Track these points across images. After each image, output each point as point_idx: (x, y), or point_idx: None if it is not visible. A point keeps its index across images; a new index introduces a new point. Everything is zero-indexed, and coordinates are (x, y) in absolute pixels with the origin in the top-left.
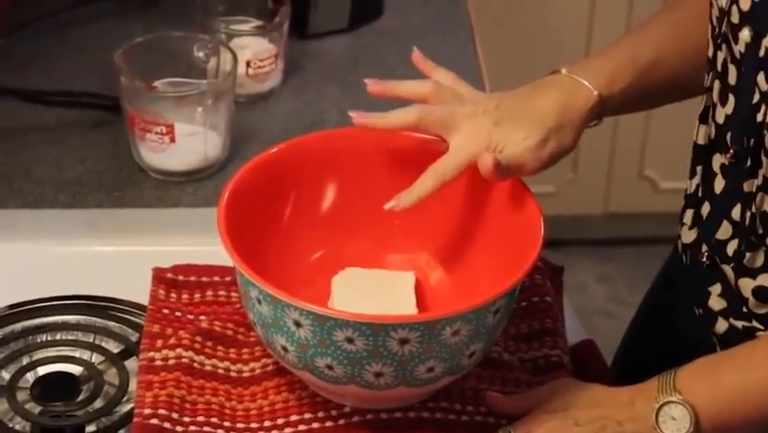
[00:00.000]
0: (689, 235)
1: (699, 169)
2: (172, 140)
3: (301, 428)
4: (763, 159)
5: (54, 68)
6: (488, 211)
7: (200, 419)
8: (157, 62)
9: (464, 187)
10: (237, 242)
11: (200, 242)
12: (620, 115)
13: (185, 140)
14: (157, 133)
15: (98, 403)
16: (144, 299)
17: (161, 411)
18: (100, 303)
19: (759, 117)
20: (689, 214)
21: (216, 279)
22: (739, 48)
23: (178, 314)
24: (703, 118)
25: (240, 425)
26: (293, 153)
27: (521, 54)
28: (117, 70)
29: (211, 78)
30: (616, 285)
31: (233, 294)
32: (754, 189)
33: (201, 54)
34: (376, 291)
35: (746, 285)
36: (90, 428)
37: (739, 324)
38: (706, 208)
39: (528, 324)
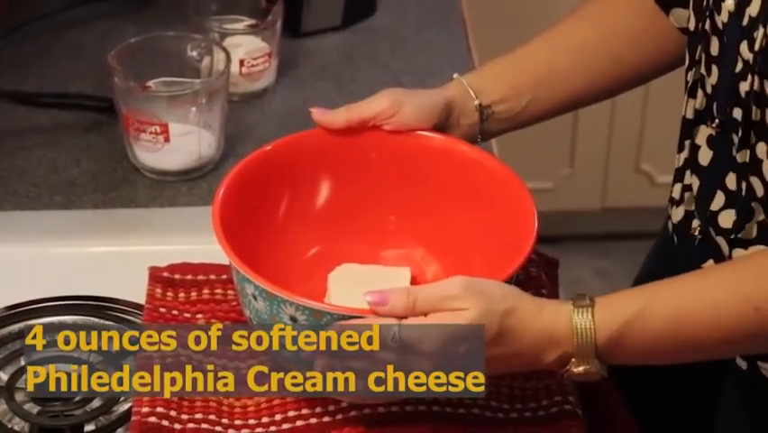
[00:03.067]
0: (677, 213)
1: (687, 143)
2: (166, 140)
3: (299, 423)
4: (751, 131)
5: (49, 70)
6: (482, 206)
7: (198, 416)
8: (150, 62)
9: (459, 182)
10: (232, 239)
11: (195, 240)
12: (616, 110)
13: (179, 139)
14: (151, 132)
15: (96, 402)
16: (141, 299)
17: (159, 409)
18: (97, 303)
19: (746, 87)
20: (677, 188)
21: (212, 277)
22: (722, 18)
23: (174, 312)
24: (692, 92)
25: (238, 422)
26: (287, 150)
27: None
28: (111, 71)
29: (204, 77)
30: (614, 280)
31: (229, 292)
32: (747, 160)
33: (194, 53)
34: (372, 287)
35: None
36: (89, 427)
37: None
38: (696, 182)
39: None
